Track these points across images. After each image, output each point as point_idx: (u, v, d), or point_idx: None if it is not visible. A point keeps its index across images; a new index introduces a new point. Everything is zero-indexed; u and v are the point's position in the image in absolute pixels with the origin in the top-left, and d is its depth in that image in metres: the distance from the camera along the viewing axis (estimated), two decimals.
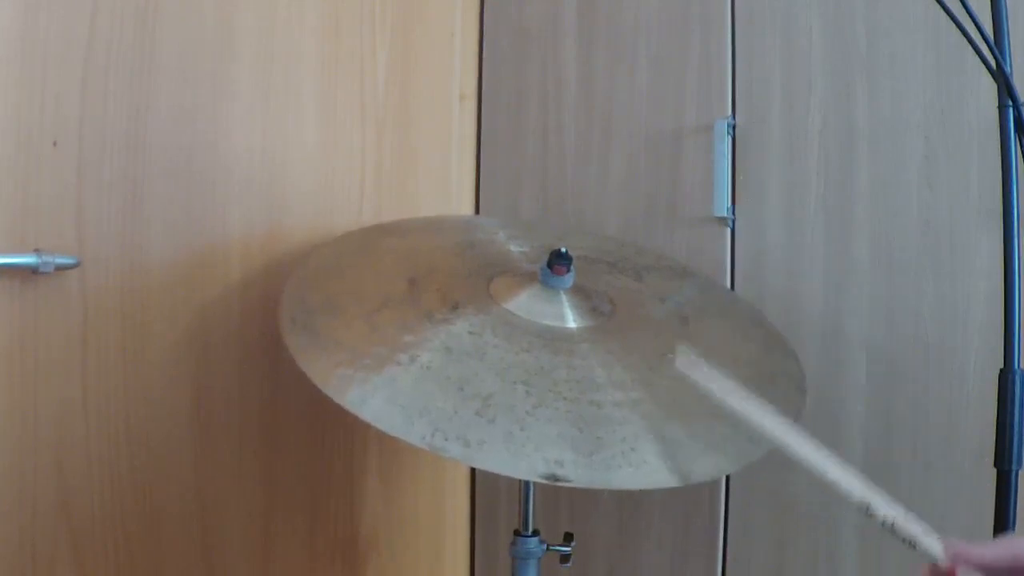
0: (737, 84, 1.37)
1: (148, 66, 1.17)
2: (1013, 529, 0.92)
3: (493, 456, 0.92)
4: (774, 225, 1.34)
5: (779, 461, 1.28)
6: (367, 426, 0.95)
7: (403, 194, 1.50)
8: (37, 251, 1.05)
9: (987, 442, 0.93)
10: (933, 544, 0.66)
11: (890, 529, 0.68)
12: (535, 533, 1.20)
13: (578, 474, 0.91)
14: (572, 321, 1.11)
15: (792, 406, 1.11)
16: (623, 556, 1.45)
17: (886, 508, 0.68)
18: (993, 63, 0.92)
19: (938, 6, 0.95)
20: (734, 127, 1.36)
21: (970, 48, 0.92)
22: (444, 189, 1.58)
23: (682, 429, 0.99)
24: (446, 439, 0.91)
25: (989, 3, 0.94)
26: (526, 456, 0.92)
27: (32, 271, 1.06)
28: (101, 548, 1.15)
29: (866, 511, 0.69)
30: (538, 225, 1.48)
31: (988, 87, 1.03)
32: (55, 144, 1.09)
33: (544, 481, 0.91)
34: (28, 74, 1.06)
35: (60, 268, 1.07)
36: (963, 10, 0.92)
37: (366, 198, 1.44)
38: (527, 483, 1.22)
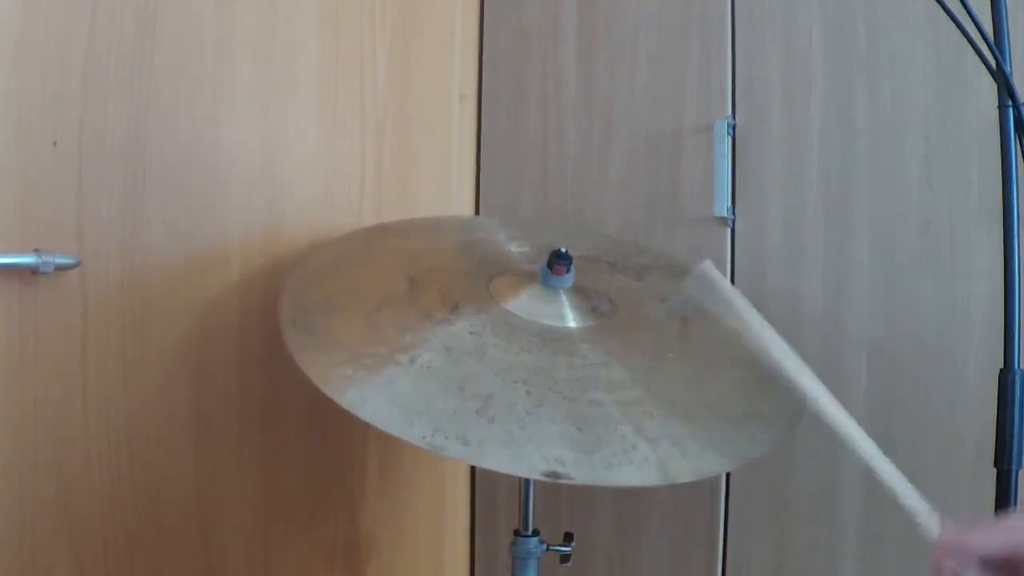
0: (737, 84, 1.37)
1: (148, 66, 1.17)
2: None
3: (493, 455, 0.92)
4: (774, 225, 1.34)
5: (779, 461, 1.28)
6: (367, 426, 0.95)
7: (403, 194, 1.50)
8: (37, 251, 1.05)
9: (987, 442, 0.93)
10: (931, 524, 0.65)
11: (892, 496, 0.67)
12: (535, 533, 1.20)
13: (579, 472, 0.91)
14: (572, 321, 1.11)
15: (791, 406, 1.11)
16: (623, 556, 1.45)
17: (892, 475, 0.67)
18: (993, 63, 0.92)
19: (938, 6, 0.95)
20: (734, 127, 1.36)
21: (970, 48, 0.92)
22: (444, 189, 1.58)
23: (682, 427, 0.99)
24: (446, 438, 0.91)
25: (989, 3, 0.94)
26: (527, 455, 0.92)
27: (32, 271, 1.05)
28: (101, 548, 1.15)
29: (871, 472, 0.68)
30: (538, 225, 1.48)
31: (988, 87, 1.03)
32: (55, 144, 1.09)
33: (545, 479, 0.91)
34: (28, 74, 1.06)
35: (60, 268, 1.07)
36: (963, 10, 0.92)
37: (366, 198, 1.44)
38: (527, 483, 1.22)
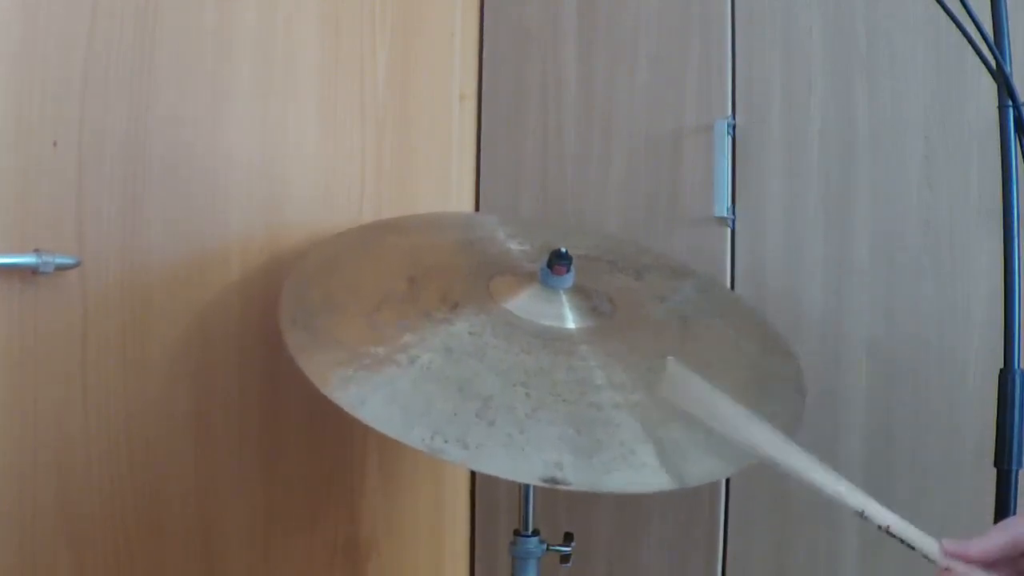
0: (737, 84, 1.37)
1: (148, 66, 1.17)
2: None
3: (492, 459, 0.92)
4: (774, 225, 1.34)
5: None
6: (367, 426, 0.95)
7: (403, 194, 1.50)
8: (37, 251, 1.05)
9: (987, 442, 0.93)
10: (930, 545, 0.65)
11: (887, 532, 0.68)
12: (535, 533, 1.20)
13: (577, 477, 0.91)
14: (572, 321, 1.11)
15: (791, 407, 1.11)
16: (623, 556, 1.45)
17: (882, 514, 0.68)
18: (993, 63, 0.92)
19: (938, 6, 0.95)
20: (734, 127, 1.36)
21: (970, 48, 0.92)
22: (444, 189, 1.58)
23: (681, 431, 0.99)
24: (445, 441, 0.91)
25: (989, 3, 0.94)
26: (525, 459, 0.92)
27: (32, 271, 1.05)
28: (101, 548, 1.15)
29: (862, 517, 0.68)
30: (538, 224, 1.48)
31: (988, 87, 1.03)
32: (55, 144, 1.09)
33: (543, 484, 0.90)
34: (28, 74, 1.06)
35: (60, 268, 1.07)
36: (963, 10, 0.91)
37: (366, 198, 1.43)
38: (527, 484, 1.21)
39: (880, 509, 0.68)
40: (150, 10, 1.16)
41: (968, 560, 0.63)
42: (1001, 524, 0.66)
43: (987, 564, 0.64)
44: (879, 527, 0.68)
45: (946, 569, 0.64)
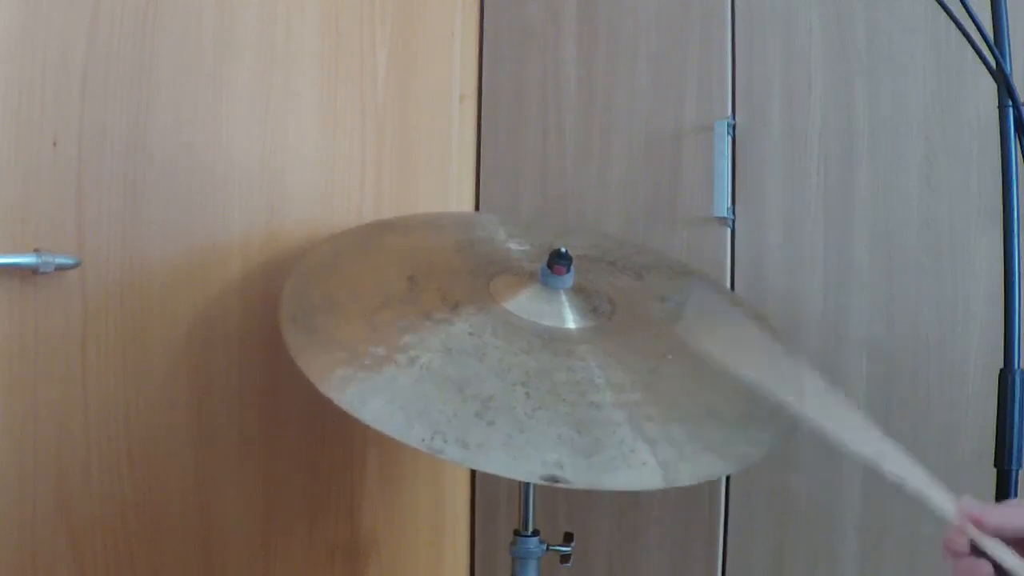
0: (737, 84, 1.37)
1: (148, 66, 1.17)
2: None
3: (492, 458, 0.92)
4: (774, 225, 1.34)
5: (779, 461, 1.28)
6: (367, 426, 0.95)
7: (403, 194, 1.50)
8: (37, 251, 1.05)
9: (987, 442, 0.93)
10: (946, 502, 0.64)
11: (901, 486, 0.66)
12: (535, 533, 1.20)
13: (577, 476, 0.91)
14: (572, 321, 1.11)
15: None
16: (623, 556, 1.45)
17: (898, 467, 0.66)
18: (993, 63, 0.92)
19: (938, 6, 0.95)
20: (734, 127, 1.36)
21: (970, 48, 0.92)
22: (444, 189, 1.58)
23: (681, 430, 0.99)
24: (445, 441, 0.91)
25: (989, 3, 0.94)
26: (525, 458, 0.92)
27: (32, 271, 1.05)
28: (101, 548, 1.15)
29: (879, 470, 0.67)
30: (538, 224, 1.48)
31: (988, 87, 1.03)
32: (55, 144, 1.09)
33: (544, 483, 0.91)
34: (28, 74, 1.06)
35: (60, 268, 1.07)
36: (963, 10, 0.91)
37: (366, 198, 1.44)
38: (527, 483, 1.21)
39: (897, 461, 0.66)
40: (150, 10, 1.16)
41: (982, 527, 0.62)
42: (1020, 501, 0.64)
43: (1000, 539, 0.62)
44: (893, 482, 0.66)
45: (959, 533, 0.62)
